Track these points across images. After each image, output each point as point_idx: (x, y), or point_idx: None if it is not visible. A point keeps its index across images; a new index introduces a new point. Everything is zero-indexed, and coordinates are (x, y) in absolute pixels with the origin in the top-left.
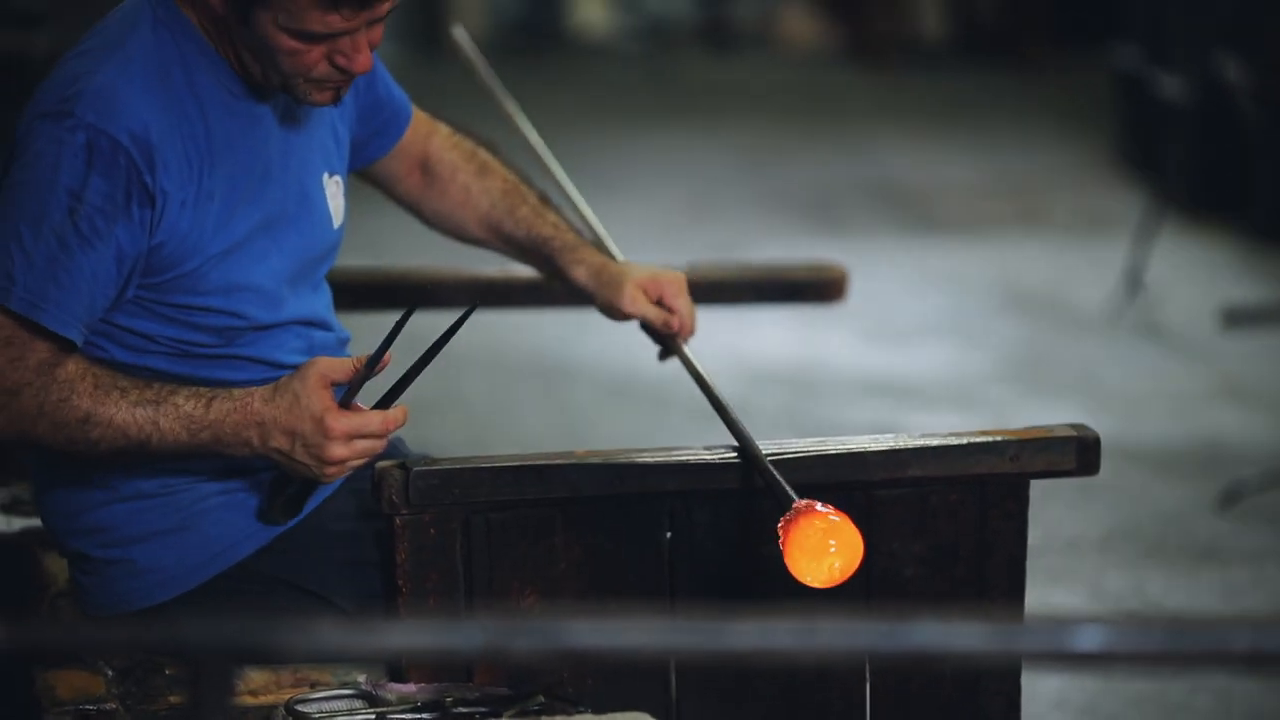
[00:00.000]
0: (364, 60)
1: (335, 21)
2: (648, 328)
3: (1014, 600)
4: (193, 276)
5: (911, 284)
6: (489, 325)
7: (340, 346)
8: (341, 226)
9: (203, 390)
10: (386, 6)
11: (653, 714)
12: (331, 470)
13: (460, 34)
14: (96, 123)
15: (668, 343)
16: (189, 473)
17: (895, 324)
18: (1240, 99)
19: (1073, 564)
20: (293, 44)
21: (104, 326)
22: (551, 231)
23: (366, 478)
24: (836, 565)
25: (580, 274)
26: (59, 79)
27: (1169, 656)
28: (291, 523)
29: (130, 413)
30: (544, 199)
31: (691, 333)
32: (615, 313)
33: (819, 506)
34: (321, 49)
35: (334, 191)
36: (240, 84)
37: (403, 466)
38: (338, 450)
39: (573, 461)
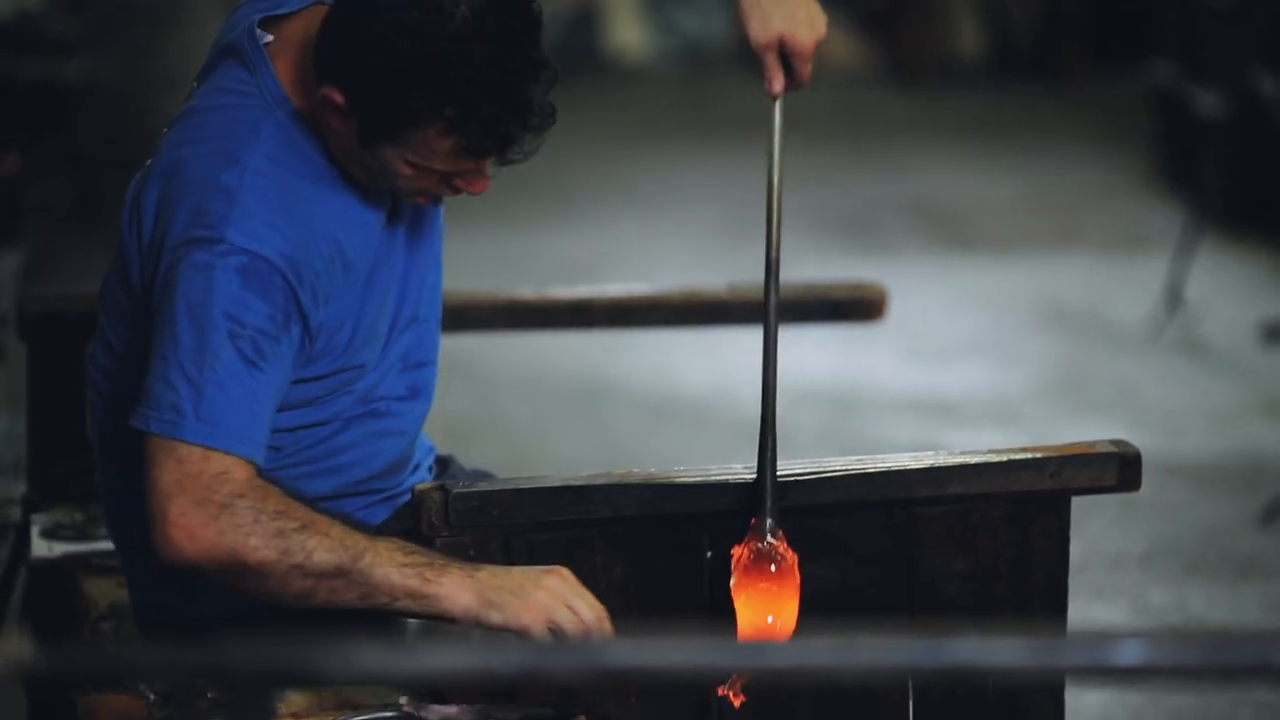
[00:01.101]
0: (482, 186)
1: (465, 164)
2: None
3: (1056, 616)
4: (330, 349)
5: (951, 302)
6: (528, 346)
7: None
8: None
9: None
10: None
11: None
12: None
13: None
14: (248, 246)
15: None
16: None
17: (935, 342)
18: (1277, 113)
19: (1115, 579)
20: (414, 173)
21: None
22: None
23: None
24: (772, 621)
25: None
26: (192, 199)
27: (1210, 670)
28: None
29: (347, 529)
30: None
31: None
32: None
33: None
34: (440, 174)
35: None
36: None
37: (442, 488)
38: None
39: (613, 482)
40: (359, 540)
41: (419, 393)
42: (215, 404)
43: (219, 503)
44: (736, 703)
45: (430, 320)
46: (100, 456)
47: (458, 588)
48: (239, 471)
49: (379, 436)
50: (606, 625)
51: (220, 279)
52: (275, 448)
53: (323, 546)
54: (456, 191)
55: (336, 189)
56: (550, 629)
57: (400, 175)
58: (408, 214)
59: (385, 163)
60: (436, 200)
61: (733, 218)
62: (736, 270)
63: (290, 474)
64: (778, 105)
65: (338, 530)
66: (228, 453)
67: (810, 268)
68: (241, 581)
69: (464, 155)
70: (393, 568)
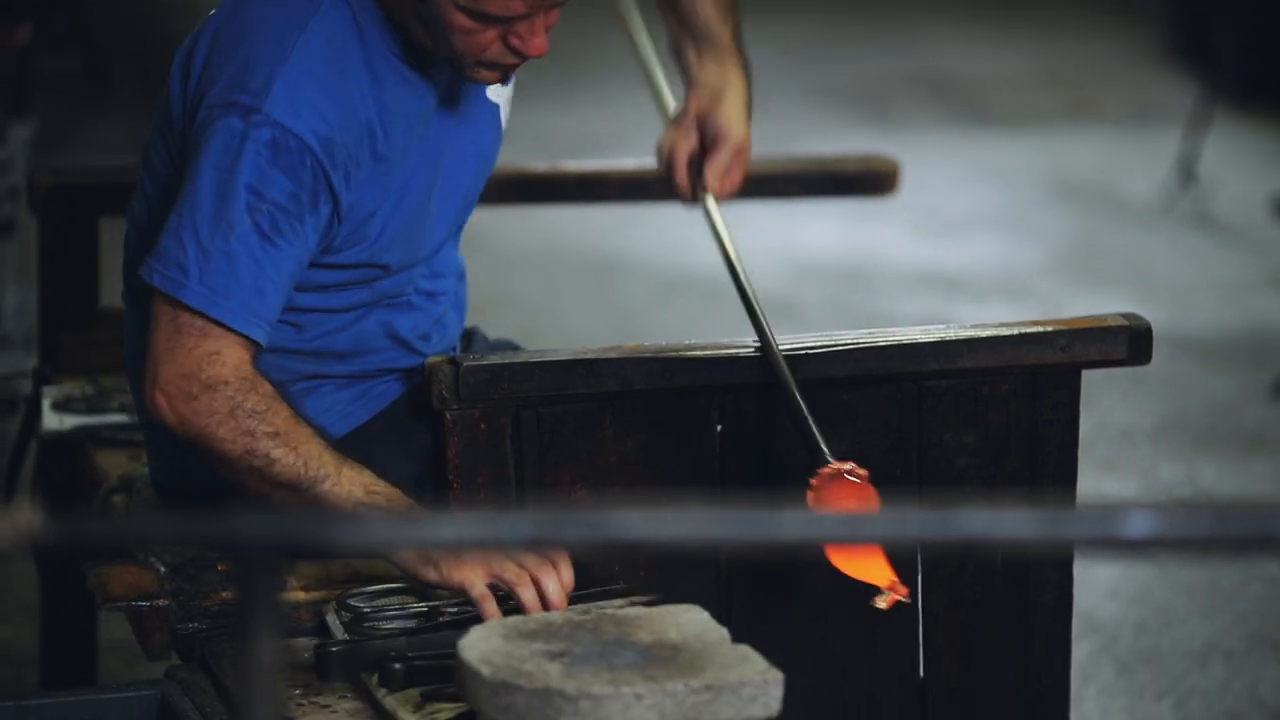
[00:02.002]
0: (539, 44)
1: (516, 6)
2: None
3: (1066, 490)
4: (361, 238)
5: (961, 176)
6: (539, 220)
7: (460, 281)
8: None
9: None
10: None
11: (704, 607)
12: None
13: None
14: (283, 120)
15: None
16: (272, 365)
17: (945, 216)
18: None
19: (1125, 454)
20: (469, 24)
21: None
22: (719, 30)
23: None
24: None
25: (692, 58)
26: (239, 61)
27: (1219, 542)
28: (370, 414)
29: (319, 449)
30: (736, 10)
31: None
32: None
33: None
34: (497, 31)
35: (500, 101)
36: (414, 54)
37: (452, 361)
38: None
39: (623, 355)
40: (326, 465)
41: (437, 296)
42: (220, 273)
43: (202, 382)
44: (900, 594)
45: (460, 227)
46: (129, 314)
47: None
48: (232, 355)
49: (395, 328)
50: (556, 573)
51: (249, 150)
52: (295, 325)
53: (286, 460)
54: (516, 56)
55: (386, 76)
56: (493, 584)
57: (456, 30)
58: (463, 129)
59: (441, 15)
60: (501, 74)
61: None
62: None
63: (309, 349)
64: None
65: (309, 449)
66: (226, 327)
67: (818, 142)
68: (204, 459)
69: None
70: (347, 501)
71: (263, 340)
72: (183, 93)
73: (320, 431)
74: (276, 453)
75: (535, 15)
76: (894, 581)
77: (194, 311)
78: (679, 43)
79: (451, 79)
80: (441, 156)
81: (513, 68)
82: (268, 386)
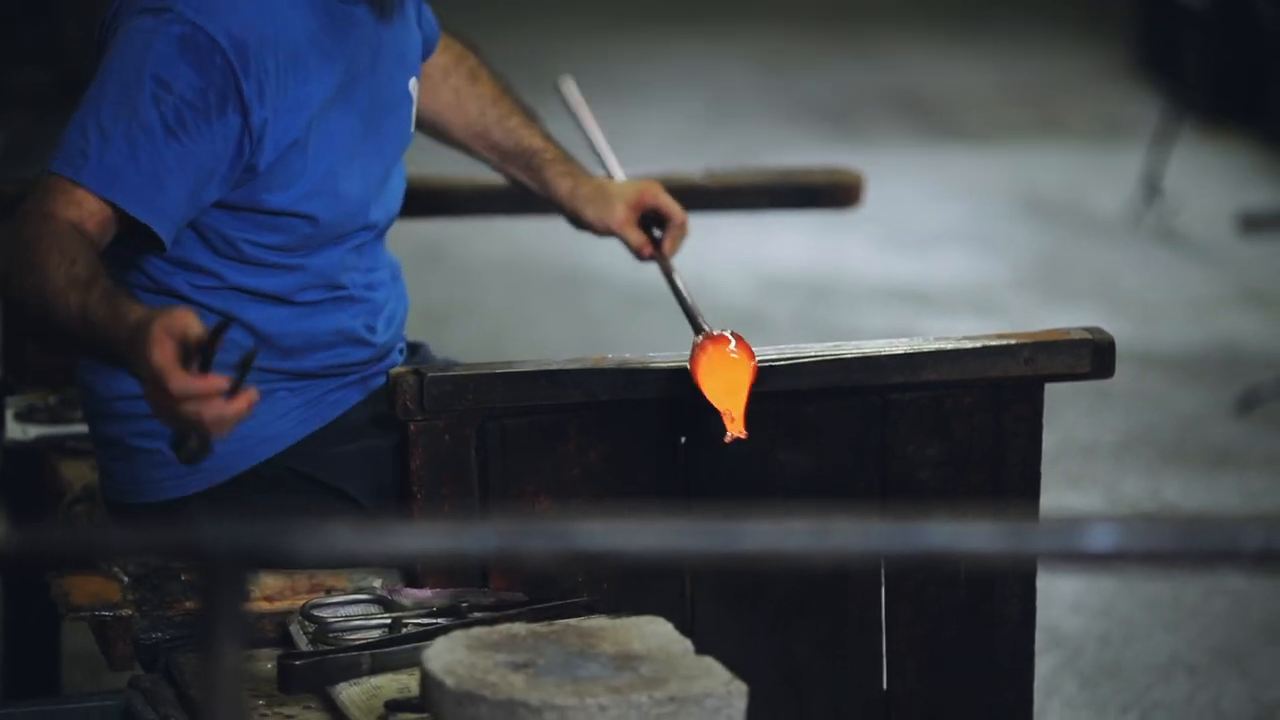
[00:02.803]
0: None
1: None
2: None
3: (1029, 504)
4: (283, 177)
5: (929, 191)
6: (505, 232)
7: (394, 280)
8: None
9: (121, 293)
10: None
11: (668, 619)
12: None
13: (569, 87)
14: (195, 19)
15: (655, 258)
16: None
17: (913, 230)
18: (1258, 2)
19: (1089, 468)
20: None
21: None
22: (540, 144)
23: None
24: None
25: (565, 187)
26: None
27: (1182, 555)
28: (324, 421)
29: (107, 313)
30: (532, 111)
31: (685, 235)
32: (601, 229)
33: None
34: None
35: (415, 97)
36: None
37: (417, 372)
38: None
39: (586, 367)
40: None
41: (375, 288)
42: (120, 156)
43: (44, 213)
44: (735, 430)
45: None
46: None
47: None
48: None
49: (341, 322)
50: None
51: (158, 43)
52: (248, 325)
53: (80, 322)
54: None
55: (320, 14)
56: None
57: None
58: (386, 104)
59: None
60: None
61: (711, 104)
62: (714, 157)
63: (271, 358)
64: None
65: (96, 311)
66: (121, 211)
67: (786, 155)
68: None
69: None
70: (74, 321)
71: (162, 233)
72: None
73: (90, 267)
74: (63, 297)
75: None
76: (734, 417)
77: (88, 191)
78: (510, 172)
79: (376, 52)
80: (367, 119)
81: None
82: (98, 257)
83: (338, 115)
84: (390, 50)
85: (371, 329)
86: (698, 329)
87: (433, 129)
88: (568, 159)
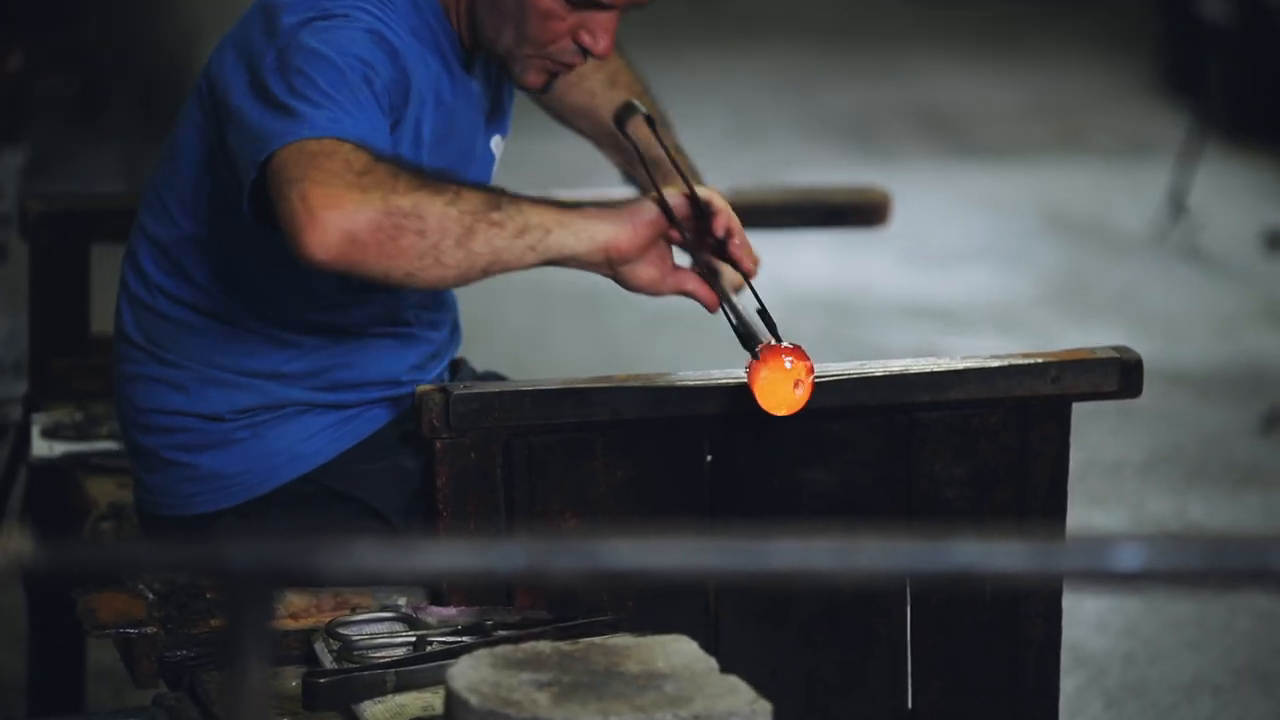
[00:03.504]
0: (608, 44)
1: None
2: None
3: (1055, 522)
4: None
5: (953, 208)
6: None
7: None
8: None
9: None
10: None
11: (692, 637)
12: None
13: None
14: (375, 26)
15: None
16: (262, 391)
17: (936, 248)
18: None
19: (1115, 487)
20: (553, 6)
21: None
22: (663, 156)
23: None
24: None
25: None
26: (300, 8)
27: (1209, 575)
28: (358, 439)
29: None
30: (665, 120)
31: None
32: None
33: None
34: (575, 21)
35: (498, 154)
36: (461, 53)
37: (443, 390)
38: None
39: (613, 385)
40: (495, 192)
41: (439, 327)
42: (348, 115)
43: (358, 170)
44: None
45: None
46: (122, 344)
47: (599, 217)
48: (370, 149)
49: (395, 358)
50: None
51: (349, 32)
52: (297, 346)
53: (466, 186)
54: (579, 55)
55: (432, 54)
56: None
57: (538, 12)
58: (470, 158)
59: None
60: (548, 78)
61: (736, 121)
62: (739, 174)
63: (304, 372)
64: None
65: (472, 185)
66: (361, 140)
67: (810, 173)
68: (398, 243)
69: None
70: (534, 202)
71: None
72: (210, 91)
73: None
74: (454, 186)
75: (617, 11)
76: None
77: (322, 138)
78: (634, 175)
79: (474, 110)
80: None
81: (564, 70)
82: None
83: (429, 157)
84: (483, 106)
85: (422, 368)
86: (754, 341)
87: (567, 125)
88: (694, 172)
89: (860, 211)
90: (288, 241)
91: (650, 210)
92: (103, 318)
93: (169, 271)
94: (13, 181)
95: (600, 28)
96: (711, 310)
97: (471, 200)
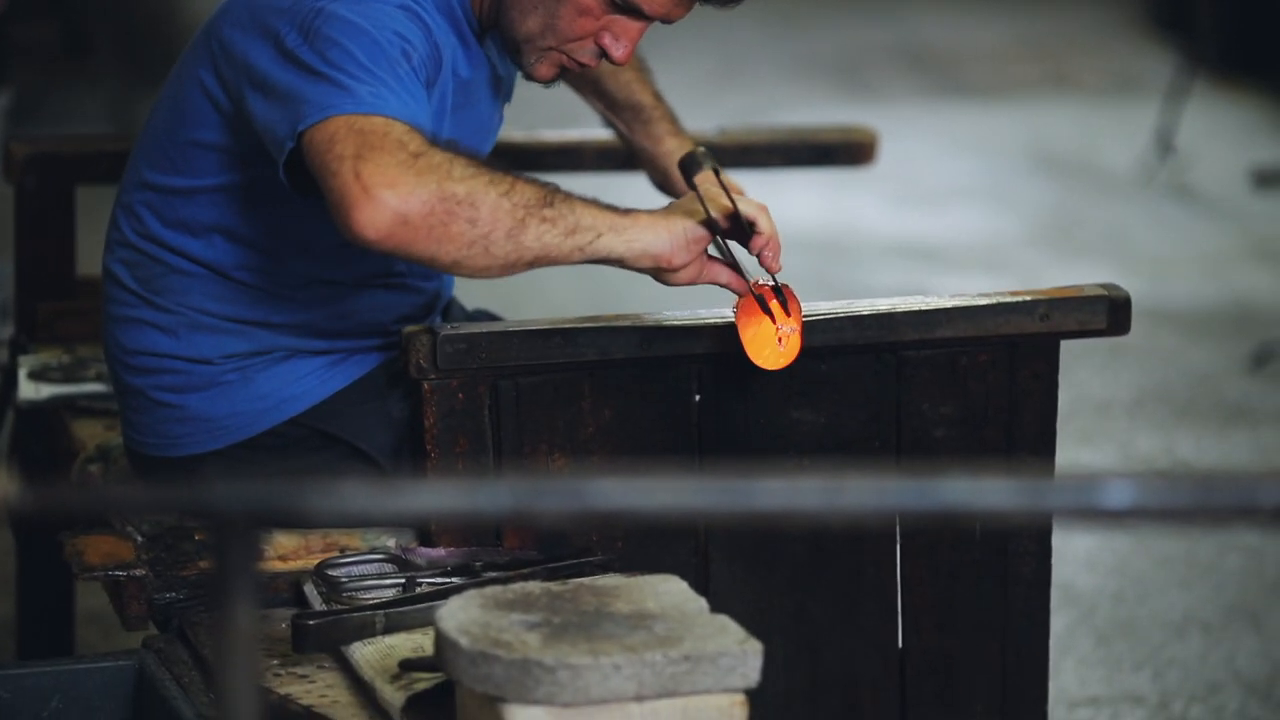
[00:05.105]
0: (626, 53)
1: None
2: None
3: (1044, 461)
4: None
5: (941, 147)
6: None
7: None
8: None
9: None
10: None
11: (682, 577)
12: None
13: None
14: (406, 2)
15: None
16: (251, 337)
17: (925, 187)
18: None
19: (1103, 425)
20: (592, 4)
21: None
22: (651, 101)
23: None
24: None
25: (670, 144)
26: None
27: (1197, 512)
28: (347, 381)
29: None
30: (646, 67)
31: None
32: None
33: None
34: (605, 22)
35: (503, 119)
36: (476, 26)
37: (429, 331)
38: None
39: (600, 325)
40: (548, 185)
41: (431, 278)
42: (392, 92)
43: (413, 151)
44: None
45: None
46: (112, 286)
47: (649, 227)
48: (423, 133)
49: (386, 308)
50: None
51: (382, 6)
52: (291, 299)
53: (520, 180)
54: (594, 57)
55: (451, 27)
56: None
57: (574, 8)
58: (479, 125)
59: None
60: (559, 74)
61: (723, 63)
62: (727, 115)
63: (296, 323)
64: None
65: (528, 177)
66: (410, 121)
67: (797, 112)
68: (449, 229)
69: None
70: (586, 203)
71: None
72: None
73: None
74: (508, 178)
75: (645, 21)
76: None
77: (371, 115)
78: (614, 122)
79: (486, 82)
80: (459, 134)
81: (576, 69)
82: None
83: (448, 128)
84: (493, 79)
85: (412, 318)
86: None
87: None
88: (675, 119)
89: (847, 151)
90: (334, 215)
91: (699, 230)
92: (89, 260)
93: (166, 220)
94: None
95: (626, 34)
96: (741, 295)
97: (525, 194)
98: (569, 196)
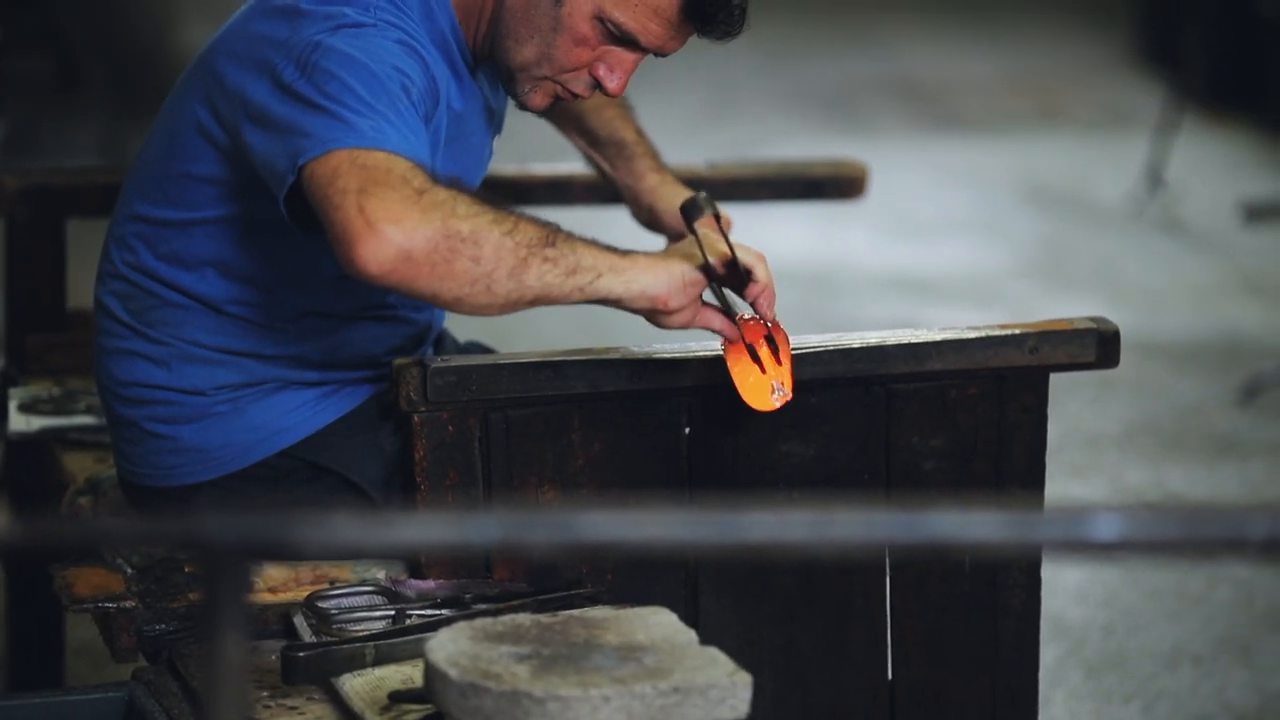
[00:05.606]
0: (620, 85)
1: (653, 32)
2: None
3: (1033, 493)
4: None
5: (932, 180)
6: None
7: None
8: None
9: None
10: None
11: (672, 610)
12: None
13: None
14: (403, 37)
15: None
16: (243, 369)
17: (915, 220)
18: None
19: (1093, 458)
20: (590, 34)
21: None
22: (633, 137)
23: None
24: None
25: (652, 180)
26: (318, 20)
27: (1186, 544)
28: (339, 413)
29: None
30: (628, 104)
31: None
32: (676, 224)
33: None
34: (600, 53)
35: (494, 151)
36: (468, 57)
37: (420, 364)
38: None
39: (590, 358)
40: (552, 227)
41: (422, 309)
42: (393, 127)
43: (417, 188)
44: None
45: None
46: (104, 319)
47: (648, 269)
48: (425, 170)
49: (378, 340)
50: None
51: (380, 41)
52: (283, 331)
53: (523, 219)
54: (588, 88)
55: (445, 60)
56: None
57: (572, 37)
58: (471, 157)
59: (566, 18)
60: (551, 103)
61: (713, 96)
62: (716, 148)
63: (288, 355)
64: None
65: (531, 217)
66: (411, 158)
67: (788, 146)
68: (452, 266)
69: (661, 18)
70: (586, 244)
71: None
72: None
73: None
74: (512, 218)
75: (640, 52)
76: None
77: (374, 150)
78: (595, 158)
79: (479, 114)
80: (450, 167)
81: (569, 99)
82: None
83: (439, 164)
84: (486, 110)
85: (402, 350)
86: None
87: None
88: (657, 155)
89: (837, 184)
90: (336, 249)
91: (696, 275)
92: (80, 293)
93: (158, 253)
94: None
95: (621, 66)
96: (734, 342)
97: (528, 233)
98: (570, 236)
